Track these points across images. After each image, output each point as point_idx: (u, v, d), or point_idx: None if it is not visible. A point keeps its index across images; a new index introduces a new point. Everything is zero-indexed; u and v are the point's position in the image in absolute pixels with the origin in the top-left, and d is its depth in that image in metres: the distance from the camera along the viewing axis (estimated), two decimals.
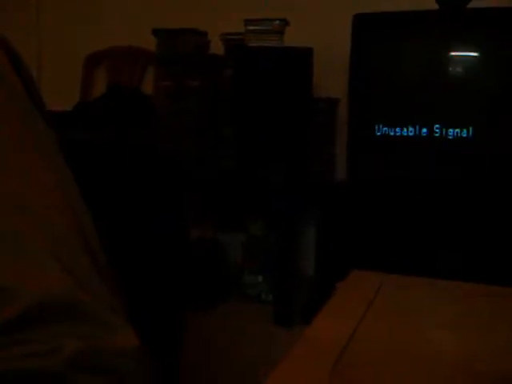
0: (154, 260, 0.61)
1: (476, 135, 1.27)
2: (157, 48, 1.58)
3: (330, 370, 0.42)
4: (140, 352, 0.36)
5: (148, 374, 0.38)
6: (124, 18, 1.88)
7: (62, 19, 1.99)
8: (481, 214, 1.26)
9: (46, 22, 2.02)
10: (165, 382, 0.60)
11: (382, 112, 1.38)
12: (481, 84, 1.31)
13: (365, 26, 1.37)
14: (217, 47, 1.61)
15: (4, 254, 0.35)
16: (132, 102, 1.45)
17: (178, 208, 0.64)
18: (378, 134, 1.35)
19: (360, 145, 1.40)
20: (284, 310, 1.42)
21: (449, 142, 1.30)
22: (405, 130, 1.33)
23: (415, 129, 1.32)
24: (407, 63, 1.40)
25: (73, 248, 0.39)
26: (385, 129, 1.34)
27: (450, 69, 1.33)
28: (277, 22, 1.49)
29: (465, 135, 1.28)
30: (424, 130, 1.31)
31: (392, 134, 1.34)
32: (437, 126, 1.30)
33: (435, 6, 1.34)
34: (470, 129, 1.28)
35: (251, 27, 1.50)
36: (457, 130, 1.29)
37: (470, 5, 1.31)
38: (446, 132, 1.29)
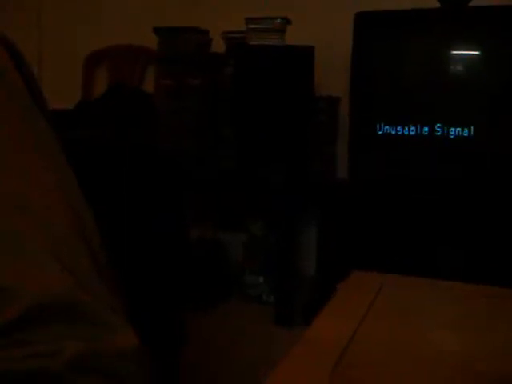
0: (154, 260, 0.61)
1: (477, 134, 1.27)
2: (158, 46, 1.58)
3: (331, 371, 0.42)
4: (140, 352, 0.36)
5: (148, 375, 0.38)
6: (124, 16, 1.88)
7: (62, 18, 1.99)
8: (482, 213, 1.26)
9: (46, 22, 2.02)
10: (165, 382, 0.60)
11: (384, 111, 1.38)
12: (482, 83, 1.30)
13: (366, 24, 1.37)
14: (218, 46, 1.61)
15: (4, 254, 0.35)
16: (132, 101, 1.45)
17: (178, 208, 0.64)
18: (380, 133, 1.35)
19: (361, 144, 1.40)
20: (285, 310, 1.42)
21: (450, 141, 1.29)
22: (406, 128, 1.32)
23: (416, 128, 1.32)
24: (408, 62, 1.40)
25: (73, 248, 0.39)
26: (386, 128, 1.34)
27: (452, 67, 1.33)
28: (278, 20, 1.49)
29: (466, 134, 1.28)
30: (425, 128, 1.31)
31: (393, 132, 1.34)
32: (438, 124, 1.30)
33: (437, 5, 1.34)
34: (472, 128, 1.27)
35: (252, 26, 1.50)
36: (458, 128, 1.28)
37: (472, 3, 1.31)
38: (448, 131, 1.29)
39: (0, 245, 0.35)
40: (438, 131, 1.30)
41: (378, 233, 1.33)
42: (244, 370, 1.27)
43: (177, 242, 0.63)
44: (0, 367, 0.31)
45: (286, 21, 1.49)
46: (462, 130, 1.28)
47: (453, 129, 1.29)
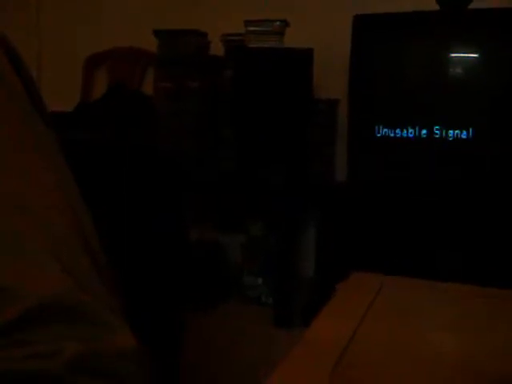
0: (154, 261, 0.61)
1: (476, 136, 1.27)
2: (158, 49, 1.59)
3: (330, 371, 0.42)
4: (139, 353, 0.36)
5: (148, 376, 0.38)
6: (124, 18, 1.88)
7: (62, 20, 1.99)
8: (481, 215, 1.26)
9: (46, 23, 2.02)
10: (165, 382, 0.60)
11: (382, 113, 1.38)
12: (481, 85, 1.31)
13: (365, 26, 1.37)
14: (217, 48, 1.61)
15: (4, 254, 0.35)
16: (132, 103, 1.45)
17: (178, 209, 0.64)
18: (378, 135, 1.35)
19: (360, 146, 1.40)
20: (284, 312, 1.42)
21: (449, 143, 1.30)
22: (405, 131, 1.33)
23: (415, 130, 1.32)
24: (407, 64, 1.40)
25: (73, 248, 0.39)
26: (385, 130, 1.34)
27: (451, 70, 1.33)
28: (277, 22, 1.49)
29: (465, 136, 1.28)
30: (424, 131, 1.31)
31: (392, 135, 1.34)
32: (437, 127, 1.30)
33: (436, 7, 1.34)
34: (470, 130, 1.28)
35: (251, 28, 1.50)
36: (457, 131, 1.29)
37: (471, 5, 1.31)
38: (446, 133, 1.29)
39: (0, 245, 0.35)
40: (437, 133, 1.30)
41: (377, 234, 1.33)
42: (244, 370, 1.27)
43: (176, 243, 0.63)
44: (0, 367, 0.31)
45: (285, 23, 1.50)
46: (461, 133, 1.28)
47: (451, 131, 1.29)
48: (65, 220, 0.39)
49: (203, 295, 1.49)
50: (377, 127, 1.35)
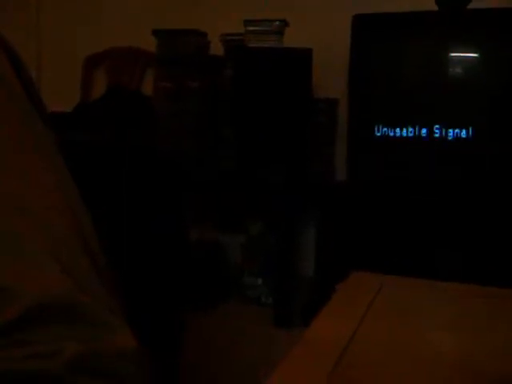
0: (153, 261, 0.61)
1: (476, 136, 1.28)
2: (157, 49, 1.58)
3: (330, 371, 0.43)
4: (139, 353, 0.37)
5: (147, 376, 0.38)
6: (124, 18, 1.88)
7: (61, 20, 1.99)
8: (481, 214, 1.26)
9: (45, 23, 2.02)
10: (165, 382, 0.60)
11: (382, 113, 1.38)
12: (480, 85, 1.31)
13: (364, 26, 1.37)
14: (216, 48, 1.61)
15: (4, 255, 0.35)
16: (131, 104, 1.45)
17: (178, 209, 0.64)
18: (378, 134, 1.35)
19: (360, 145, 1.40)
20: (284, 312, 1.42)
21: (448, 143, 1.30)
22: (404, 130, 1.33)
23: (415, 129, 1.32)
24: (407, 64, 1.40)
25: (72, 249, 0.39)
26: (384, 129, 1.34)
27: (450, 69, 1.33)
28: (276, 22, 1.49)
29: (464, 136, 1.28)
30: (424, 130, 1.31)
31: (392, 134, 1.34)
32: (436, 126, 1.30)
33: (435, 7, 1.34)
34: (470, 129, 1.28)
35: (251, 28, 1.50)
36: (456, 130, 1.29)
37: (470, 5, 1.31)
38: (446, 133, 1.29)
39: (0, 245, 0.35)
40: (437, 133, 1.30)
41: (377, 234, 1.33)
42: (244, 370, 1.27)
43: (176, 243, 0.63)
44: (0, 367, 0.31)
45: (285, 23, 1.50)
46: (461, 132, 1.28)
47: (451, 130, 1.29)
48: (64, 221, 0.40)
49: (203, 295, 1.49)
50: (376, 127, 1.35)
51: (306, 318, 1.36)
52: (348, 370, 0.43)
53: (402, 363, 0.45)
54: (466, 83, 1.32)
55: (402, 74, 1.40)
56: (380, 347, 0.48)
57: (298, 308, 1.41)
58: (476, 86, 1.31)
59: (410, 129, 1.32)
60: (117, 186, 0.60)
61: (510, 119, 1.27)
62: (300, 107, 1.48)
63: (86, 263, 0.39)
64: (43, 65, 1.99)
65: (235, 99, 1.50)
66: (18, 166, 0.40)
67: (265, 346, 1.29)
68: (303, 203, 1.50)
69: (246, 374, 1.22)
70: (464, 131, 1.28)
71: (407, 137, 1.33)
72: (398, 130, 1.33)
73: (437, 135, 1.30)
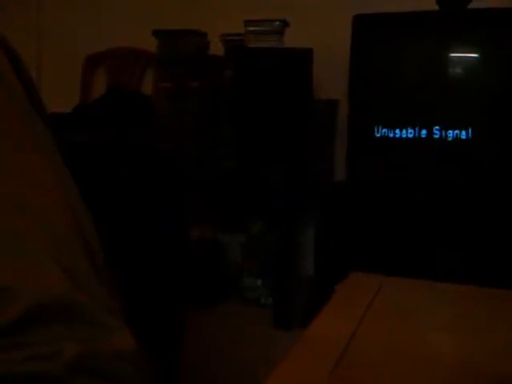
0: (153, 260, 0.61)
1: (475, 136, 1.28)
2: (157, 49, 1.58)
3: (330, 371, 0.43)
4: (137, 354, 0.36)
5: (146, 377, 0.38)
6: (124, 18, 1.88)
7: (62, 20, 1.99)
8: (480, 215, 1.26)
9: (46, 23, 2.02)
10: (165, 382, 0.60)
11: (382, 113, 1.38)
12: (480, 85, 1.31)
13: (365, 26, 1.37)
14: (217, 48, 1.61)
15: (4, 254, 0.35)
16: (132, 104, 1.45)
17: (178, 208, 0.64)
18: (378, 135, 1.35)
19: (359, 146, 1.40)
20: (283, 312, 1.42)
21: (448, 144, 1.30)
22: (404, 131, 1.33)
23: (415, 130, 1.32)
24: (407, 64, 1.40)
25: (72, 248, 0.39)
26: (384, 130, 1.34)
27: (450, 70, 1.33)
28: (277, 22, 1.49)
29: (464, 136, 1.28)
30: (423, 131, 1.31)
31: (391, 135, 1.34)
32: (436, 127, 1.30)
33: (435, 7, 1.34)
34: (470, 130, 1.28)
35: (251, 28, 1.50)
36: (456, 131, 1.29)
37: (471, 5, 1.31)
38: (446, 133, 1.30)
39: (0, 245, 0.35)
40: (436, 133, 1.30)
41: (377, 234, 1.33)
42: (244, 370, 1.27)
43: (176, 242, 0.63)
44: (0, 370, 0.31)
45: (285, 23, 1.50)
46: (460, 133, 1.28)
47: (451, 131, 1.29)
48: (64, 220, 0.40)
49: (203, 295, 1.49)
50: (376, 127, 1.35)
51: (305, 318, 1.36)
52: (348, 369, 0.43)
53: (402, 363, 0.45)
54: (466, 83, 1.32)
55: (402, 74, 1.40)
56: (379, 347, 0.48)
57: (297, 308, 1.41)
58: (476, 86, 1.31)
59: (410, 129, 1.32)
60: (117, 185, 0.60)
61: (509, 119, 1.27)
62: (300, 107, 1.48)
63: (85, 263, 0.39)
64: (43, 65, 1.99)
65: (235, 99, 1.50)
66: (18, 165, 0.40)
67: (264, 347, 1.29)
68: (303, 203, 1.50)
69: (245, 374, 1.22)
70: (464, 132, 1.28)
71: (407, 137, 1.33)
72: (397, 130, 1.33)
73: (436, 136, 1.30)
